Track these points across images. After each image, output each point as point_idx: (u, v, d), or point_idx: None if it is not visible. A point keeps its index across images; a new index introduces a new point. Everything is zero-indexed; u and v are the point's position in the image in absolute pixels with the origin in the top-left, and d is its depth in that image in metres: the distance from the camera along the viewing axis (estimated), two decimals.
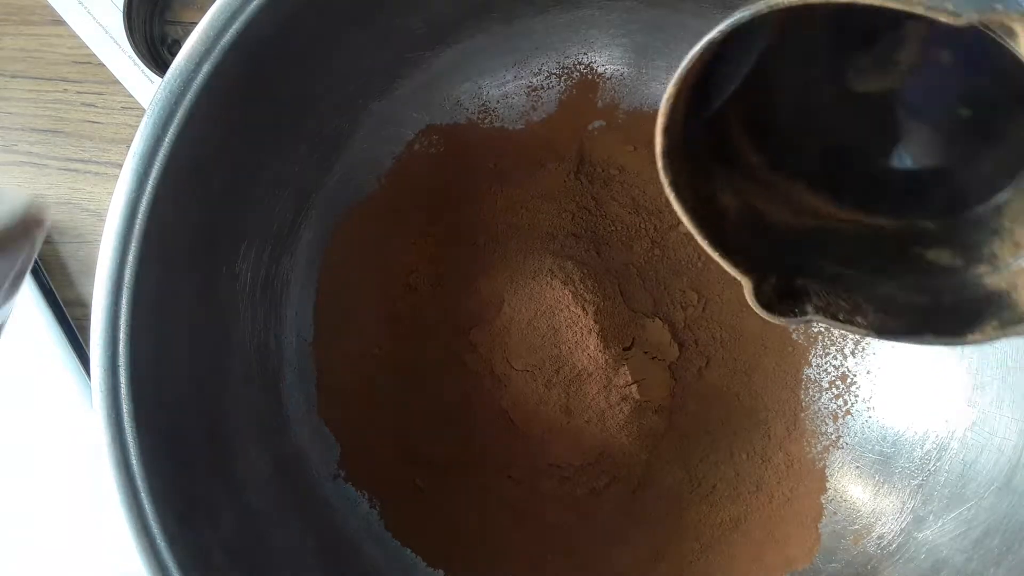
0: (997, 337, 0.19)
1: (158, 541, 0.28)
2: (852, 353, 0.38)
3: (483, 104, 0.39)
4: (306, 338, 0.38)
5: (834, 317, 0.21)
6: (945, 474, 0.34)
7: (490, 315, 0.37)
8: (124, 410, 0.28)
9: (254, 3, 0.28)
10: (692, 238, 0.39)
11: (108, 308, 0.28)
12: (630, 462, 0.37)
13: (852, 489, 0.37)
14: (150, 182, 0.28)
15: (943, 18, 0.16)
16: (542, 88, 0.39)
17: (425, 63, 0.37)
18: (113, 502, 0.28)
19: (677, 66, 0.36)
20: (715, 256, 0.22)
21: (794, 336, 0.39)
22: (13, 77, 0.43)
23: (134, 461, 0.28)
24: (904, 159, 0.22)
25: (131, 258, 0.28)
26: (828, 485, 0.38)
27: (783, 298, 0.21)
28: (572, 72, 0.39)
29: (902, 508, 0.35)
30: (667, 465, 0.38)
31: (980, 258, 0.21)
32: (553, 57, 0.38)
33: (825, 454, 0.38)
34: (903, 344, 0.22)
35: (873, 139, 0.22)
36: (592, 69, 0.39)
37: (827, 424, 0.38)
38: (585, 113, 0.39)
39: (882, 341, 0.33)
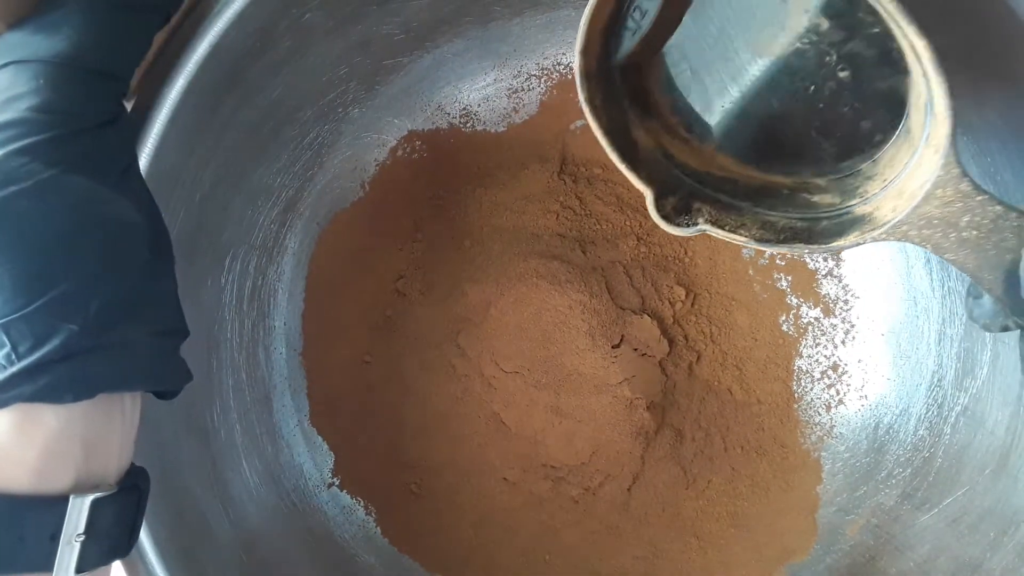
0: (856, 243, 0.23)
1: (149, 556, 0.28)
2: (843, 343, 0.38)
3: (464, 108, 0.39)
4: (295, 348, 0.38)
5: (721, 227, 0.25)
6: (939, 460, 0.34)
7: (478, 318, 0.37)
8: None
9: (228, 13, 0.28)
10: (678, 235, 0.39)
11: None
12: (624, 460, 0.37)
13: (848, 478, 0.37)
14: None
15: None
16: (522, 90, 0.39)
17: (404, 69, 0.37)
18: None
19: None
20: (623, 169, 0.25)
21: (784, 328, 0.39)
22: None
23: None
24: (798, 123, 0.26)
25: None
26: (823, 475, 0.37)
27: (679, 213, 0.25)
28: (551, 73, 0.39)
29: (898, 496, 0.35)
30: (661, 462, 0.38)
31: (855, 195, 0.25)
32: (532, 59, 0.38)
33: (819, 444, 0.38)
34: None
35: (772, 105, 0.26)
36: (571, 69, 0.38)
37: (820, 414, 0.38)
38: (566, 113, 0.39)
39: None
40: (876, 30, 0.23)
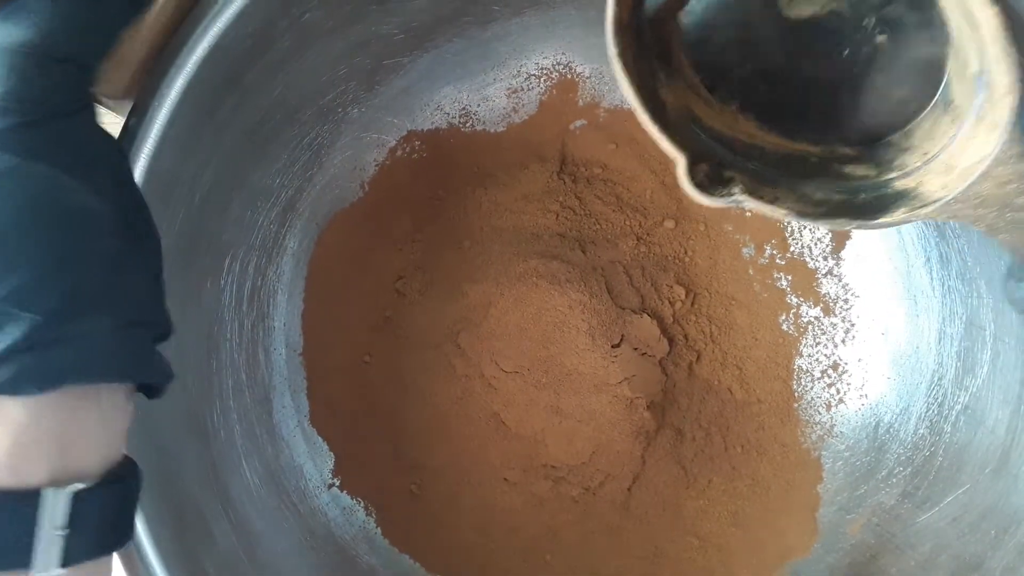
0: (905, 220, 0.22)
1: (150, 558, 0.28)
2: (843, 342, 0.38)
3: (463, 108, 0.39)
4: (295, 348, 0.38)
5: (758, 198, 0.23)
6: (940, 458, 0.34)
7: (478, 318, 0.37)
8: None
9: (228, 13, 0.28)
10: (677, 233, 0.39)
11: None
12: (624, 460, 0.37)
13: (848, 477, 0.37)
14: None
15: None
16: (522, 90, 0.39)
17: (403, 69, 0.37)
18: None
19: None
20: (654, 131, 0.23)
21: (784, 327, 0.39)
22: None
23: None
24: (827, 87, 0.25)
25: None
26: (824, 474, 0.37)
27: (712, 183, 0.23)
28: (551, 72, 0.39)
29: (899, 494, 0.35)
30: (661, 461, 0.38)
31: (892, 168, 0.24)
32: (531, 58, 0.38)
33: (820, 443, 0.38)
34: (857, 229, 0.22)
35: (801, 68, 0.25)
36: (571, 68, 0.39)
37: (820, 413, 0.38)
38: (566, 113, 0.39)
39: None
40: None
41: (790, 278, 0.39)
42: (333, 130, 0.36)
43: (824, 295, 0.38)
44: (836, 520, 0.37)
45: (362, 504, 0.38)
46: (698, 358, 0.38)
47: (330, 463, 0.38)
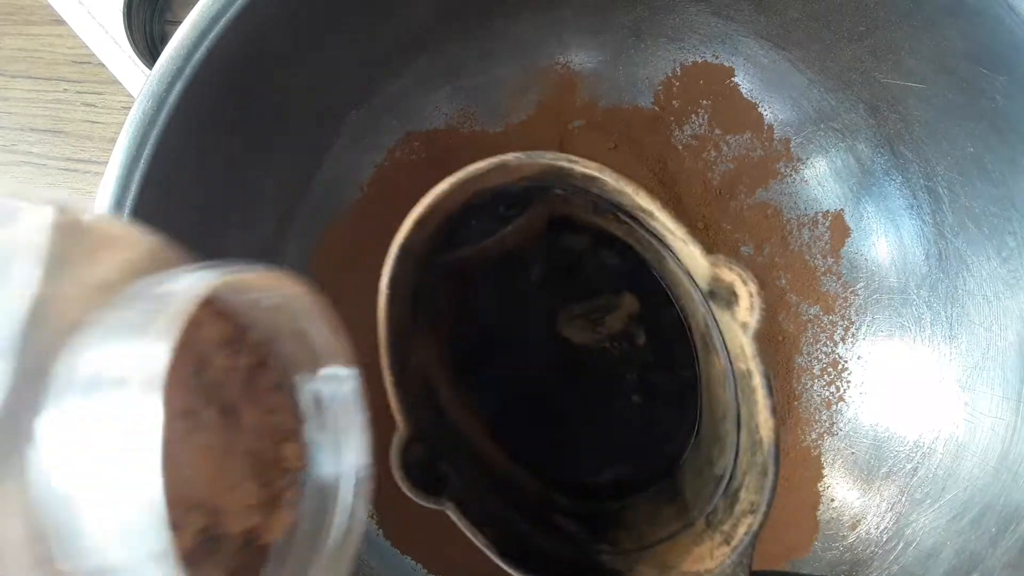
0: None
1: None
2: (842, 340, 0.38)
3: (462, 108, 0.39)
4: None
5: (464, 515, 0.20)
6: (939, 456, 0.34)
7: None
8: None
9: (226, 17, 0.28)
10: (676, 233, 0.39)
11: None
12: None
13: (848, 475, 0.37)
14: (127, 204, 0.28)
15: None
16: (520, 90, 0.39)
17: (402, 70, 0.37)
18: None
19: (654, 64, 0.36)
20: (387, 376, 0.21)
21: (783, 324, 0.39)
22: (13, 77, 0.43)
23: None
24: (568, 426, 0.23)
25: None
26: (824, 472, 0.38)
27: (425, 473, 0.20)
28: (549, 72, 0.39)
29: (899, 492, 0.35)
30: None
31: (603, 538, 0.22)
32: (530, 58, 0.38)
33: (820, 441, 0.38)
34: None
35: (552, 391, 0.23)
36: (569, 68, 0.39)
37: (820, 412, 0.38)
38: (564, 112, 0.39)
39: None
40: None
41: (789, 276, 0.39)
42: (331, 132, 0.36)
43: (824, 293, 0.39)
44: (836, 518, 0.37)
45: None
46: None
47: None
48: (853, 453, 0.37)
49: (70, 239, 0.13)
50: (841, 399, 0.38)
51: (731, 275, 0.17)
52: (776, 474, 0.17)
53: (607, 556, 0.21)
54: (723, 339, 0.18)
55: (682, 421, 0.22)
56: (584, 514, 0.23)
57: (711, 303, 0.18)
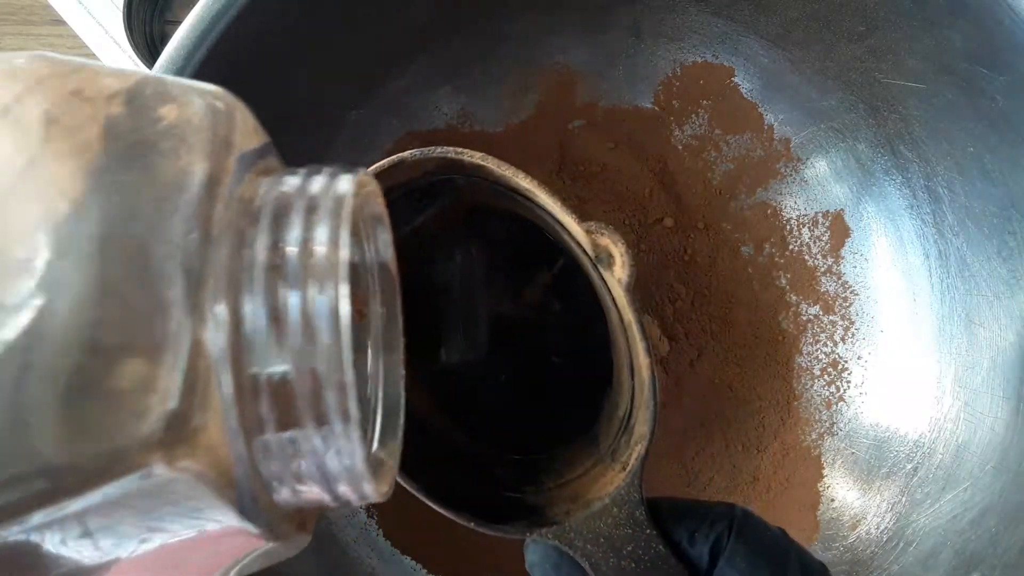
0: (523, 534, 0.22)
1: None
2: (842, 340, 0.38)
3: (461, 108, 0.39)
4: None
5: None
6: (940, 455, 0.34)
7: None
8: None
9: (227, 17, 0.28)
10: (676, 232, 0.39)
11: None
12: None
13: (848, 475, 0.37)
14: None
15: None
16: (520, 90, 0.39)
17: (402, 70, 0.37)
18: None
19: (654, 64, 0.36)
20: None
21: (784, 325, 0.39)
22: None
23: None
24: (507, 392, 0.26)
25: None
26: (824, 472, 0.38)
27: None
28: (549, 72, 0.39)
29: (899, 492, 0.35)
30: (662, 459, 0.38)
31: (529, 481, 0.25)
32: (530, 58, 0.38)
33: (820, 441, 0.38)
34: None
35: (487, 361, 0.26)
36: (569, 69, 0.39)
37: (821, 411, 0.38)
38: (564, 112, 0.39)
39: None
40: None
41: (789, 276, 0.39)
42: (331, 132, 0.36)
43: (824, 293, 0.39)
44: (836, 517, 0.37)
45: (363, 504, 0.38)
46: (699, 356, 0.38)
47: None
48: (853, 453, 0.37)
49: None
50: (841, 399, 0.38)
51: (605, 240, 0.21)
52: (655, 405, 0.21)
53: (531, 496, 0.24)
54: (611, 296, 0.22)
55: (597, 376, 0.25)
56: (513, 464, 0.26)
57: (599, 266, 0.21)
